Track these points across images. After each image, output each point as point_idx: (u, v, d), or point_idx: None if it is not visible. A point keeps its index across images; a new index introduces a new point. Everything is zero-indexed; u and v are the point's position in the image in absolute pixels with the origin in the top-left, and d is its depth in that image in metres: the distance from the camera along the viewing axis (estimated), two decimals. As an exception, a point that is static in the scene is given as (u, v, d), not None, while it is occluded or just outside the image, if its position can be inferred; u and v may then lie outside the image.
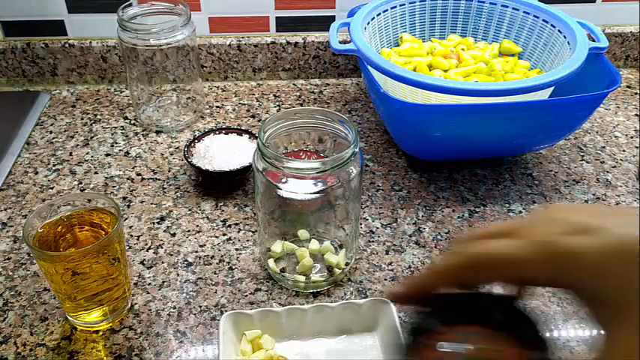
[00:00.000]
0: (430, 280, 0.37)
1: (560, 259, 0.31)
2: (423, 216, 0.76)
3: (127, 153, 0.86)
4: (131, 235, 0.72)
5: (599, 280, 0.30)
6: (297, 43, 1.01)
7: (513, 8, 0.90)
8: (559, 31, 0.84)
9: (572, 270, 0.31)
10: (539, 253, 0.32)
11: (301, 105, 0.98)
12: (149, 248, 0.71)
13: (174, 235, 0.73)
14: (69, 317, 0.61)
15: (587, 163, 0.86)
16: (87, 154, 0.86)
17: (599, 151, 0.88)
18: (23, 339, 0.60)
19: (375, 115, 0.95)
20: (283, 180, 0.60)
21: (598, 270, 0.30)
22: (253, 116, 0.94)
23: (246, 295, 0.65)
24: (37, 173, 0.82)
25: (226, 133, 0.83)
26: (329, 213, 0.65)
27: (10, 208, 0.76)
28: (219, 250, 0.71)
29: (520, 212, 0.77)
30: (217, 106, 0.97)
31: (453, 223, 0.75)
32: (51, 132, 0.90)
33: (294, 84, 1.03)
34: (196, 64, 0.91)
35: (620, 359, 0.29)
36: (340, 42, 0.80)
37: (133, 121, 0.93)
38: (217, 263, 0.69)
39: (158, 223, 0.74)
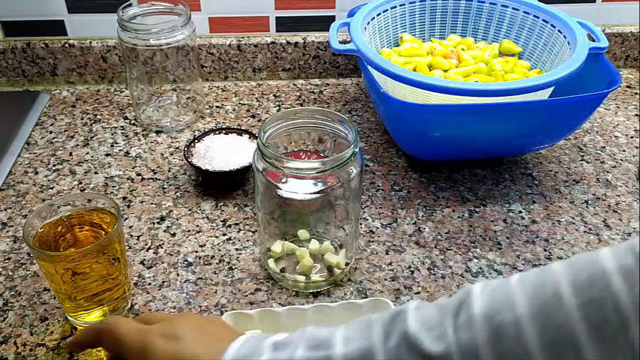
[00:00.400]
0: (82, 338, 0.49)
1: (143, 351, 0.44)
2: (423, 216, 0.76)
3: (127, 153, 0.86)
4: (131, 235, 0.72)
5: None
6: (297, 43, 1.01)
7: (513, 8, 0.90)
8: (559, 31, 0.84)
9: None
10: (136, 341, 0.44)
11: (301, 105, 0.98)
12: (149, 248, 0.71)
13: (174, 235, 0.73)
14: (69, 317, 0.61)
15: (587, 163, 0.86)
16: (87, 154, 0.86)
17: (599, 151, 0.88)
18: (23, 339, 0.60)
19: (375, 115, 0.95)
20: (283, 180, 0.60)
21: None
22: (253, 116, 0.94)
23: (246, 295, 0.65)
24: (37, 173, 0.82)
25: (226, 133, 0.83)
26: (329, 213, 0.65)
27: (10, 208, 0.76)
28: (219, 250, 0.71)
29: (520, 212, 0.77)
30: (217, 106, 0.97)
31: (453, 223, 0.75)
32: (51, 132, 0.90)
33: (294, 84, 1.03)
34: (196, 64, 0.91)
35: None
36: (340, 42, 0.81)
37: (133, 121, 0.93)
38: (217, 263, 0.69)
39: (158, 223, 0.74)
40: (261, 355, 0.41)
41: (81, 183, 0.80)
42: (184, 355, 0.42)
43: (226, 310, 0.63)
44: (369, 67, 0.78)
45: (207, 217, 0.75)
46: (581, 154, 0.88)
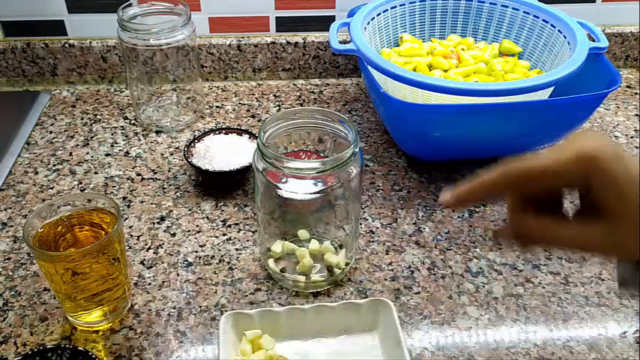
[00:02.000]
0: (484, 187, 0.40)
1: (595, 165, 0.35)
2: (423, 216, 0.76)
3: (127, 153, 0.86)
4: (131, 235, 0.72)
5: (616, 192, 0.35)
6: (297, 43, 1.01)
7: (513, 8, 0.90)
8: (559, 31, 0.84)
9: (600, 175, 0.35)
10: (574, 157, 0.36)
11: (301, 105, 0.98)
12: (149, 248, 0.71)
13: (174, 235, 0.73)
14: (69, 317, 0.61)
15: (587, 163, 0.86)
16: (87, 154, 0.86)
17: (599, 151, 0.88)
18: (23, 339, 0.60)
19: (375, 115, 0.95)
20: (283, 180, 0.60)
21: (619, 184, 0.35)
22: (253, 116, 0.94)
23: (246, 295, 0.65)
24: (37, 173, 0.82)
25: (226, 133, 0.83)
26: (329, 213, 0.65)
27: (10, 208, 0.76)
28: (219, 250, 0.71)
29: (520, 212, 0.77)
30: (217, 106, 0.97)
31: (453, 223, 0.75)
32: (51, 132, 0.90)
33: (294, 84, 1.03)
34: (196, 64, 0.91)
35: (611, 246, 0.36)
36: (340, 42, 0.80)
37: (133, 121, 0.93)
38: (217, 263, 0.69)
39: (158, 223, 0.74)
40: None
41: (81, 183, 0.80)
42: None
43: (226, 310, 0.63)
44: (369, 67, 0.78)
45: (207, 217, 0.75)
46: (581, 154, 0.88)
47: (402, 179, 0.82)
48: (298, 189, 0.60)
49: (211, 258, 0.70)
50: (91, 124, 0.92)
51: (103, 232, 0.60)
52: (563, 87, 0.76)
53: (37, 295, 0.65)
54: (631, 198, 0.34)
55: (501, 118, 0.75)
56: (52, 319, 0.62)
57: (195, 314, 0.63)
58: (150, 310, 0.63)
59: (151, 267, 0.68)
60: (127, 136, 0.89)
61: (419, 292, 0.66)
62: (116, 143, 0.88)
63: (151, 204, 0.77)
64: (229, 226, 0.74)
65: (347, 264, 0.66)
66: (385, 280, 0.67)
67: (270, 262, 0.66)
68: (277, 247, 0.66)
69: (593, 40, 0.82)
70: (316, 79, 1.05)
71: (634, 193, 0.34)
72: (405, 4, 0.91)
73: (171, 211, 0.76)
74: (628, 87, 1.03)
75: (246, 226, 0.74)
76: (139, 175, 0.82)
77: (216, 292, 0.65)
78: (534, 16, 0.88)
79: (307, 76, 1.05)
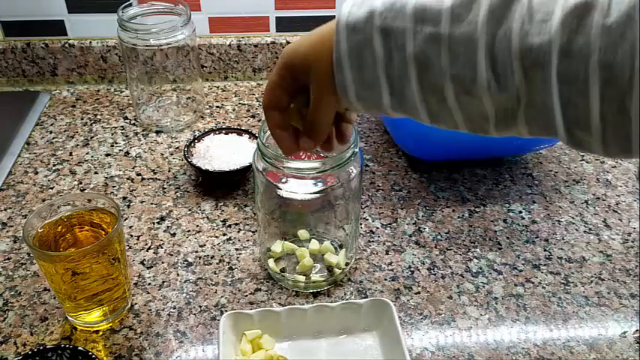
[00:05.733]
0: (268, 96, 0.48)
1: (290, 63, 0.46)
2: (423, 216, 0.76)
3: (127, 153, 0.86)
4: (131, 235, 0.72)
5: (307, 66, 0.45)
6: (297, 43, 1.01)
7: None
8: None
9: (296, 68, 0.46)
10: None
11: (301, 105, 0.98)
12: (149, 248, 0.71)
13: (174, 235, 0.73)
14: (69, 317, 0.61)
15: (587, 163, 0.86)
16: (87, 154, 0.86)
17: (599, 151, 0.88)
18: (23, 339, 0.60)
19: (375, 115, 0.95)
20: (283, 180, 0.60)
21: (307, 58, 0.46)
22: (253, 116, 0.94)
23: (246, 295, 0.65)
24: (37, 173, 0.82)
25: (226, 133, 0.83)
26: (329, 213, 0.65)
27: (10, 208, 0.76)
28: (219, 250, 0.71)
29: (520, 212, 0.77)
30: (217, 106, 0.97)
31: (453, 223, 0.75)
32: (51, 132, 0.90)
33: (294, 84, 1.03)
34: (196, 64, 0.91)
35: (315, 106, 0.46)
36: (340, 42, 0.80)
37: (133, 121, 0.93)
38: (217, 263, 0.69)
39: (158, 223, 0.74)
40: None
41: (81, 183, 0.80)
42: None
43: (226, 310, 0.63)
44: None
45: (207, 217, 0.75)
46: (581, 154, 0.88)
47: (402, 179, 0.82)
48: (298, 189, 0.60)
49: (211, 258, 0.70)
50: (91, 124, 0.92)
51: (103, 232, 0.60)
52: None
53: (37, 295, 0.65)
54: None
55: (501, 118, 0.74)
56: (52, 319, 0.62)
57: (195, 314, 0.63)
58: (150, 310, 0.63)
59: (151, 267, 0.68)
60: (127, 136, 0.89)
61: (419, 292, 0.66)
62: (116, 143, 0.88)
63: (151, 204, 0.77)
64: (229, 226, 0.74)
65: (347, 264, 0.66)
66: (385, 280, 0.67)
67: (270, 262, 0.66)
68: (277, 247, 0.66)
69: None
70: (316, 79, 1.05)
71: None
72: (405, 4, 0.91)
73: (171, 211, 0.76)
74: (628, 87, 1.03)
75: (246, 226, 0.74)
76: (139, 175, 0.82)
77: (216, 292, 0.65)
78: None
79: (307, 76, 1.05)
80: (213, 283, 0.66)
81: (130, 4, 0.86)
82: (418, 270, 0.68)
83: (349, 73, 0.43)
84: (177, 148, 0.87)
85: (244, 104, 0.98)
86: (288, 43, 1.01)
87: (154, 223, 0.74)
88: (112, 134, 0.90)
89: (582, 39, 0.35)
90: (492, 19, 0.38)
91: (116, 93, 1.00)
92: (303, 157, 0.67)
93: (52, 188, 0.79)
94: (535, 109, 0.39)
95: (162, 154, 0.86)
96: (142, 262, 0.69)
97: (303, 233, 0.68)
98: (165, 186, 0.80)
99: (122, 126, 0.92)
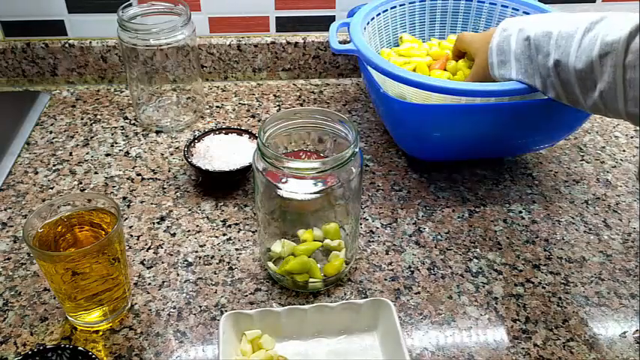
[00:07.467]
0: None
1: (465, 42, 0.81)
2: (423, 216, 0.76)
3: (127, 153, 0.86)
4: (131, 235, 0.72)
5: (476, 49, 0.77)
6: (297, 43, 1.01)
7: (513, 8, 0.89)
8: (559, 31, 0.84)
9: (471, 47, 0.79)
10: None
11: (301, 105, 0.98)
12: (149, 248, 0.71)
13: (174, 235, 0.73)
14: (69, 317, 0.62)
15: (587, 163, 0.86)
16: (87, 154, 0.86)
17: (599, 151, 0.88)
18: (23, 339, 0.60)
19: (375, 115, 0.95)
20: (283, 180, 0.60)
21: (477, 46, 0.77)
22: (253, 116, 0.94)
23: (246, 295, 0.65)
24: (37, 173, 0.82)
25: (226, 133, 0.83)
26: (329, 213, 0.65)
27: (10, 208, 0.76)
28: (219, 250, 0.71)
29: (520, 212, 0.77)
30: (217, 106, 0.97)
31: (453, 223, 0.75)
32: (51, 132, 0.90)
33: (294, 84, 1.03)
34: (196, 64, 0.91)
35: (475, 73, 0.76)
36: (340, 42, 0.80)
37: (133, 121, 0.93)
38: (217, 263, 0.69)
39: (158, 223, 0.74)
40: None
41: (81, 183, 0.80)
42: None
43: (226, 310, 0.63)
44: (369, 67, 0.78)
45: (207, 217, 0.75)
46: (581, 154, 0.88)
47: (402, 179, 0.82)
48: (298, 189, 0.60)
49: (211, 258, 0.70)
50: (91, 124, 0.92)
51: (103, 232, 0.60)
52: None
53: (37, 295, 0.65)
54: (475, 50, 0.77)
55: (501, 118, 0.74)
56: (52, 319, 0.62)
57: (195, 314, 0.63)
58: (150, 310, 0.63)
59: (151, 267, 0.68)
60: (127, 136, 0.89)
61: (419, 292, 0.66)
62: (116, 143, 0.88)
63: (151, 204, 0.77)
64: (229, 226, 0.74)
65: (347, 264, 0.66)
66: (385, 280, 0.67)
67: (270, 263, 0.66)
68: (277, 247, 0.66)
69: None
70: (316, 79, 1.05)
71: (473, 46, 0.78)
72: (405, 4, 0.91)
73: (171, 211, 0.76)
74: (628, 87, 1.03)
75: (246, 226, 0.74)
76: (139, 175, 0.82)
77: (216, 292, 0.65)
78: (534, 16, 0.88)
79: (307, 76, 1.05)
80: (213, 283, 0.66)
81: (130, 4, 0.86)
82: (418, 270, 0.68)
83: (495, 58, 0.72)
84: (177, 148, 0.87)
85: (244, 104, 0.98)
86: (288, 43, 1.01)
87: (154, 223, 0.74)
88: (112, 134, 0.90)
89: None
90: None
91: (116, 93, 1.00)
92: (303, 157, 0.67)
93: (52, 188, 0.79)
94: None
95: (162, 154, 0.86)
96: (142, 262, 0.69)
97: (303, 233, 0.68)
98: (165, 186, 0.80)
99: (122, 126, 0.92)
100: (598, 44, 0.60)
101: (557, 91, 0.67)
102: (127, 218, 0.75)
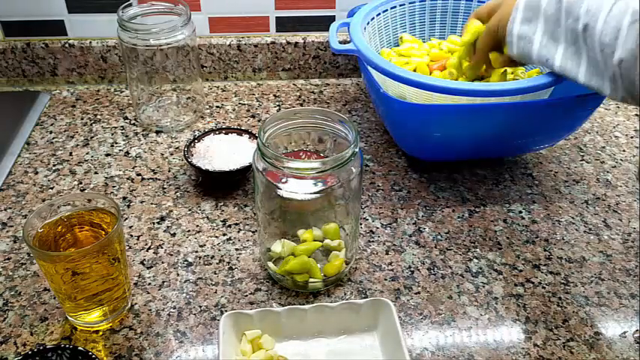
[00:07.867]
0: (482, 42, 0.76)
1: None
2: (423, 216, 0.76)
3: (127, 153, 0.86)
4: (131, 235, 0.72)
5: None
6: (297, 43, 1.01)
7: (513, 8, 0.89)
8: (559, 31, 0.84)
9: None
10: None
11: (301, 105, 0.98)
12: (149, 248, 0.71)
13: (174, 235, 0.73)
14: (69, 317, 0.62)
15: (587, 163, 0.86)
16: (87, 154, 0.86)
17: (599, 151, 0.88)
18: (23, 339, 0.60)
19: (375, 115, 0.95)
20: (283, 180, 0.60)
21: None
22: (253, 116, 0.95)
23: (246, 295, 0.65)
24: (37, 173, 0.82)
25: (226, 133, 0.83)
26: (329, 213, 0.65)
27: (10, 208, 0.76)
28: (219, 250, 0.71)
29: (520, 212, 0.77)
30: (217, 106, 0.97)
31: (453, 223, 0.75)
32: (51, 132, 0.90)
33: (294, 84, 1.03)
34: (196, 64, 0.91)
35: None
36: (340, 42, 0.80)
37: (133, 121, 0.93)
38: (217, 263, 0.69)
39: (158, 223, 0.74)
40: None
41: (81, 183, 0.80)
42: None
43: (226, 310, 0.63)
44: (369, 67, 0.78)
45: (207, 217, 0.75)
46: (581, 154, 0.88)
47: (402, 179, 0.82)
48: (298, 189, 0.60)
49: (211, 258, 0.70)
50: (91, 124, 0.92)
51: (103, 232, 0.60)
52: (563, 87, 0.76)
53: (37, 295, 0.65)
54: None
55: (501, 118, 0.75)
56: (52, 319, 0.62)
57: (195, 314, 0.63)
58: (150, 310, 0.63)
59: (151, 267, 0.68)
60: (127, 136, 0.89)
61: (419, 292, 0.66)
62: (116, 143, 0.88)
63: (151, 204, 0.77)
64: (229, 226, 0.74)
65: (347, 264, 0.66)
66: (385, 280, 0.67)
67: (270, 263, 0.66)
68: (277, 247, 0.66)
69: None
70: (316, 79, 1.05)
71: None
72: (405, 4, 0.91)
73: (171, 211, 0.76)
74: (628, 87, 1.03)
75: (246, 226, 0.74)
76: (139, 175, 0.82)
77: (216, 292, 0.65)
78: (534, 16, 0.88)
79: (307, 76, 1.05)
80: (213, 283, 0.66)
81: (130, 4, 0.86)
82: (418, 270, 0.68)
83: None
84: (177, 148, 0.87)
85: (244, 104, 0.98)
86: (288, 43, 1.01)
87: (154, 223, 0.74)
88: (112, 134, 0.90)
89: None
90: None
91: (116, 93, 1.00)
92: (303, 157, 0.67)
93: (52, 188, 0.79)
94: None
95: (163, 154, 0.86)
96: (142, 262, 0.69)
97: (303, 233, 0.68)
98: (165, 186, 0.80)
99: (122, 126, 0.92)
100: (630, 12, 0.58)
101: (580, 57, 0.64)
102: (127, 218, 0.75)
